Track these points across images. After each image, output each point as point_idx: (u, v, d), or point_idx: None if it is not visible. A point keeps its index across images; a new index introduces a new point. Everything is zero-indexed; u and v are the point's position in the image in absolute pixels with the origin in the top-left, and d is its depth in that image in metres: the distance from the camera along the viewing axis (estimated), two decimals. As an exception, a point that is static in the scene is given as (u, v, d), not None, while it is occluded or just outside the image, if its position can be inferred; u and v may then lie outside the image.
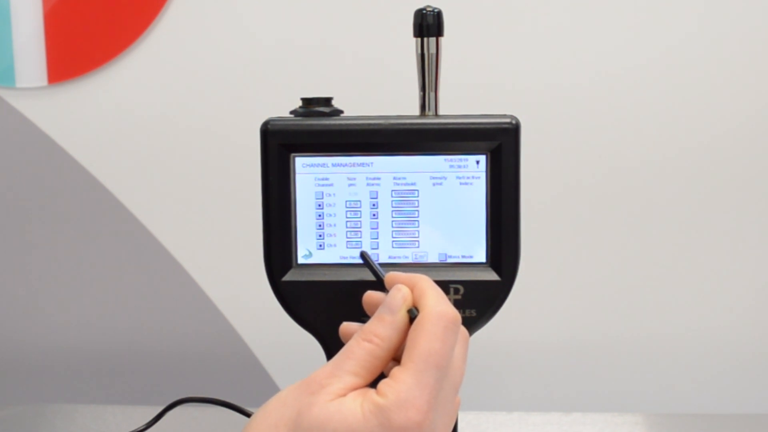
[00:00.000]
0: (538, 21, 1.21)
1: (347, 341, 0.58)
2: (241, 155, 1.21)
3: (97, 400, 1.30)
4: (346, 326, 0.61)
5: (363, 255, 0.64)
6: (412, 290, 0.56)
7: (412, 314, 0.55)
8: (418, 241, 0.69)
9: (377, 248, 0.69)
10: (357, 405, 0.52)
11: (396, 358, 0.55)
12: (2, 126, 1.28)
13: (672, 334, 1.26)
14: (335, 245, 0.69)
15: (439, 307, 0.54)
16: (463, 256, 0.69)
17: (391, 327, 0.55)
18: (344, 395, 0.53)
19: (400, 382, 0.52)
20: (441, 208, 0.69)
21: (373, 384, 0.54)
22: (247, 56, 1.24)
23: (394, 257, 0.69)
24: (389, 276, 0.59)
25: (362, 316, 0.68)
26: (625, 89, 1.22)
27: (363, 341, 0.55)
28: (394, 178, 0.69)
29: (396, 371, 0.53)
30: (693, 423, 1.11)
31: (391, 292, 0.56)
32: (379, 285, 0.60)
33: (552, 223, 1.24)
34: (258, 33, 1.24)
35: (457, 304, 0.67)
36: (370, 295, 0.61)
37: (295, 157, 0.69)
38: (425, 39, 0.69)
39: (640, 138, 1.22)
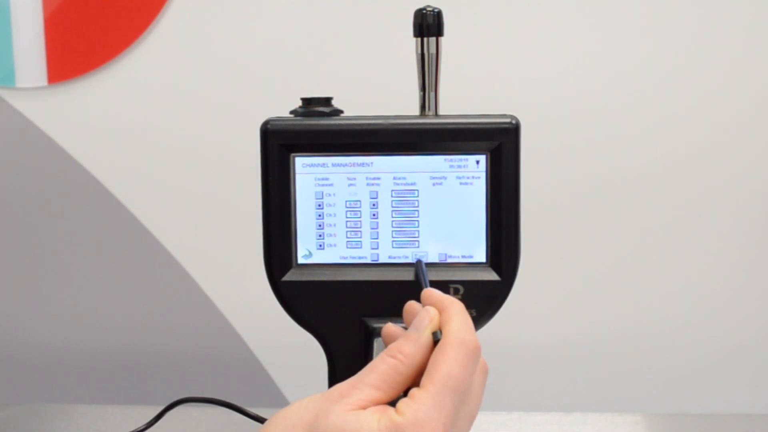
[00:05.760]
0: (538, 21, 1.21)
1: (388, 344, 0.58)
2: (241, 155, 1.21)
3: (97, 400, 1.30)
4: (389, 327, 0.61)
5: (418, 263, 0.67)
6: (441, 313, 0.57)
7: (436, 337, 0.56)
8: (418, 241, 0.69)
9: (377, 248, 0.69)
10: (374, 419, 0.52)
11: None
12: (2, 126, 1.28)
13: (672, 334, 1.26)
14: (335, 245, 0.69)
15: (461, 334, 0.55)
16: (463, 256, 0.69)
17: (415, 345, 0.55)
18: (364, 407, 0.53)
19: (419, 403, 0.52)
20: (441, 208, 0.69)
21: (395, 403, 0.54)
22: (247, 56, 1.24)
23: (394, 257, 0.69)
24: (425, 292, 0.60)
25: (361, 316, 0.68)
26: (625, 90, 1.22)
27: (387, 356, 0.55)
28: (394, 178, 0.69)
29: (415, 392, 0.53)
30: (693, 423, 1.11)
31: (421, 312, 0.57)
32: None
33: (552, 223, 1.24)
34: (258, 33, 1.24)
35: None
36: (411, 305, 0.61)
37: (295, 157, 0.69)
38: (425, 39, 0.69)
39: (640, 138, 1.22)
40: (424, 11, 0.69)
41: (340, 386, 0.55)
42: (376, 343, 0.68)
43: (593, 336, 1.26)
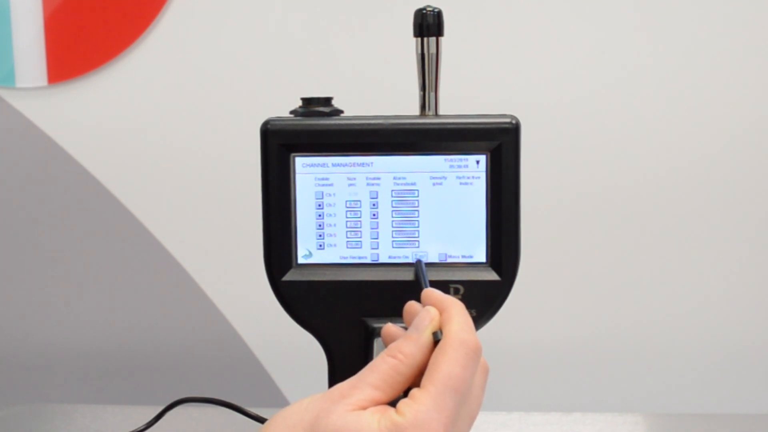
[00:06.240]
0: (539, 21, 1.21)
1: (388, 344, 0.58)
2: (241, 155, 1.21)
3: (97, 400, 1.30)
4: (389, 328, 0.61)
5: (418, 263, 0.67)
6: (441, 313, 0.57)
7: (437, 337, 0.56)
8: (418, 241, 0.69)
9: (377, 248, 0.69)
10: (374, 420, 0.52)
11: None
12: (2, 126, 1.28)
13: (672, 334, 1.26)
14: (335, 245, 0.69)
15: (462, 334, 0.55)
16: (463, 256, 0.69)
17: (415, 345, 0.55)
18: (364, 407, 0.53)
19: (419, 403, 0.52)
20: (441, 208, 0.69)
21: (395, 403, 0.54)
22: (246, 56, 1.24)
23: (394, 257, 0.69)
24: (425, 292, 0.60)
25: (361, 316, 0.68)
26: (625, 90, 1.22)
27: (387, 356, 0.55)
28: (394, 178, 0.69)
29: (415, 392, 0.53)
30: (693, 423, 1.11)
31: (421, 312, 0.57)
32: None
33: (552, 223, 1.24)
34: (258, 33, 1.24)
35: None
36: (411, 305, 0.61)
37: (295, 157, 0.69)
38: (425, 39, 0.69)
39: (640, 138, 1.22)
40: (424, 11, 0.69)
41: (340, 386, 0.55)
42: (376, 343, 0.68)
43: (593, 336, 1.26)
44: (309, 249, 0.70)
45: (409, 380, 0.55)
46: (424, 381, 0.53)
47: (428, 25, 0.69)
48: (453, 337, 0.55)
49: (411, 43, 0.70)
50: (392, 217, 0.69)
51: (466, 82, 1.19)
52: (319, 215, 0.69)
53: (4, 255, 1.31)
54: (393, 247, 0.69)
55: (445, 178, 0.68)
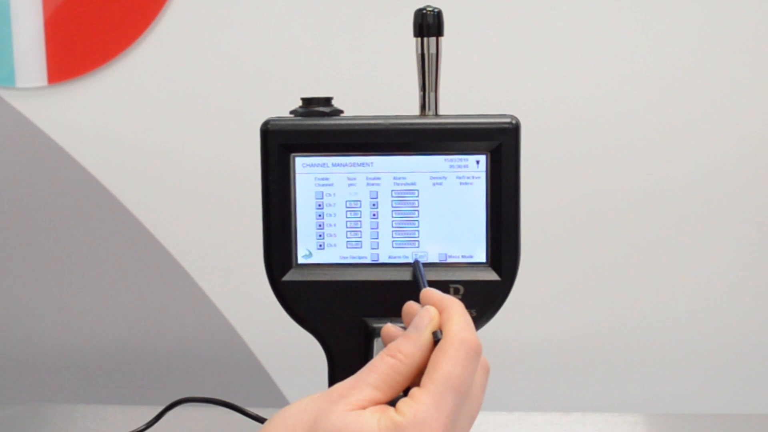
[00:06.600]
0: (539, 21, 1.21)
1: (387, 344, 0.58)
2: (241, 155, 1.21)
3: (97, 400, 1.30)
4: (389, 328, 0.61)
5: (416, 263, 0.67)
6: (441, 312, 0.57)
7: (436, 337, 0.55)
8: (418, 241, 0.69)
9: (377, 248, 0.69)
10: (374, 420, 0.52)
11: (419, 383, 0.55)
12: (2, 126, 1.28)
13: (672, 334, 1.26)
14: (335, 245, 0.69)
15: (462, 334, 0.55)
16: (463, 256, 0.69)
17: (415, 344, 0.55)
18: (364, 407, 0.53)
19: (419, 402, 0.52)
20: (441, 208, 0.69)
21: (394, 403, 0.54)
22: (247, 56, 1.24)
23: (394, 257, 0.69)
24: (424, 291, 0.59)
25: (361, 316, 0.68)
26: (625, 90, 1.22)
27: (387, 356, 0.55)
28: (394, 178, 0.69)
29: (415, 391, 0.53)
30: (693, 423, 1.11)
31: (420, 312, 0.57)
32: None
33: (552, 223, 1.24)
34: (258, 33, 1.24)
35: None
36: (410, 305, 0.61)
37: (295, 157, 0.69)
38: (425, 39, 0.69)
39: (641, 138, 1.22)
40: (424, 11, 0.69)
41: (339, 386, 0.55)
42: (376, 343, 0.68)
43: (593, 336, 1.26)
44: (309, 249, 0.70)
45: (408, 380, 0.55)
46: (424, 380, 0.53)
47: (428, 25, 0.69)
48: (453, 337, 0.55)
49: (411, 43, 0.70)
50: (392, 217, 0.69)
51: (466, 82, 1.19)
52: (319, 215, 0.69)
53: (4, 255, 1.31)
54: (393, 247, 0.69)
55: (445, 178, 0.68)
